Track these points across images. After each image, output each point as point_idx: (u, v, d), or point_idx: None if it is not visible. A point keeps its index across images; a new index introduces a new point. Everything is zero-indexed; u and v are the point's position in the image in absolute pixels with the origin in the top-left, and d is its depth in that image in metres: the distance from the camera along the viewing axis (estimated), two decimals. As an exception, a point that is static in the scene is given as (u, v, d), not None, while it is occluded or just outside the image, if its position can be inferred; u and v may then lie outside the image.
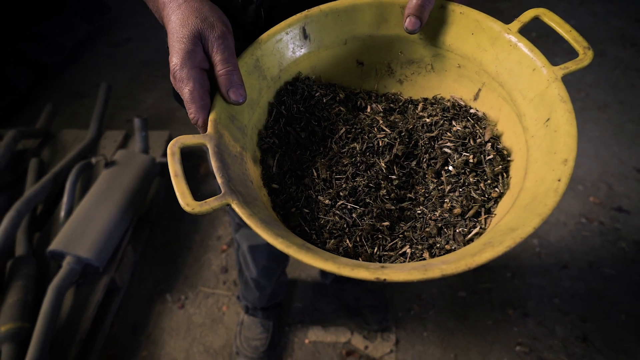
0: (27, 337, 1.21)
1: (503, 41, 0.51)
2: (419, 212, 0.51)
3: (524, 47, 0.49)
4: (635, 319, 1.48)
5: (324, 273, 1.51)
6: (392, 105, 0.60)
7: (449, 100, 0.58)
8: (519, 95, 0.49)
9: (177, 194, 0.42)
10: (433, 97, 0.59)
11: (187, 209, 0.41)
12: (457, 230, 0.47)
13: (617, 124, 2.20)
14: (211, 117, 0.47)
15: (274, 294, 1.36)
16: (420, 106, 0.58)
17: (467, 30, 0.53)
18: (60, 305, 1.28)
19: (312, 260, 0.39)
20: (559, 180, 0.40)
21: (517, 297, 1.55)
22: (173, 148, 0.45)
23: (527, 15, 0.51)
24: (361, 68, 0.61)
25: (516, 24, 0.51)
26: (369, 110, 0.58)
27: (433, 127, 0.55)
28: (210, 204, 0.41)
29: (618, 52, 2.67)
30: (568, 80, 2.42)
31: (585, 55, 0.47)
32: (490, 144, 0.52)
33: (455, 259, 0.38)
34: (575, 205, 1.84)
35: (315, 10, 0.55)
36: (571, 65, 0.47)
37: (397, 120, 0.57)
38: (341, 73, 0.61)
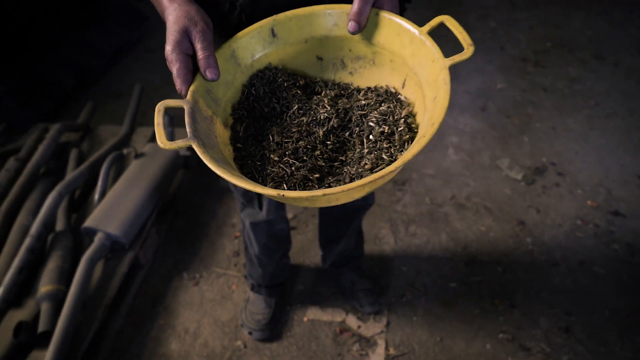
0: (63, 298, 1.41)
1: (417, 40, 0.64)
2: (346, 170, 0.65)
3: (429, 44, 0.62)
4: (618, 313, 1.55)
5: (323, 258, 1.65)
6: (342, 92, 0.74)
7: (384, 88, 0.72)
8: (424, 81, 0.63)
9: (157, 136, 0.58)
10: (374, 86, 0.73)
11: (161, 145, 0.57)
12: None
13: (624, 132, 2.25)
14: (191, 88, 0.64)
15: (275, 274, 1.51)
16: (362, 92, 0.73)
17: (394, 32, 0.67)
18: (91, 274, 1.48)
19: (233, 179, 0.54)
20: (424, 137, 0.54)
21: (505, 290, 1.64)
22: (159, 107, 0.61)
23: (435, 21, 0.64)
24: (320, 62, 0.76)
25: (427, 27, 0.64)
26: (322, 94, 0.73)
27: (365, 107, 0.69)
28: (177, 143, 0.57)
29: (633, 61, 2.71)
30: (579, 90, 2.49)
31: (467, 50, 0.60)
32: (403, 119, 0.65)
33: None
34: (572, 207, 1.91)
35: (281, 15, 0.71)
36: (456, 57, 0.60)
37: (342, 102, 0.71)
38: (305, 65, 0.76)
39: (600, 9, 3.22)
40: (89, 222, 1.56)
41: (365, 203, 1.36)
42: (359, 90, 0.74)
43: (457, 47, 0.61)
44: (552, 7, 3.33)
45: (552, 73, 2.68)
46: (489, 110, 2.44)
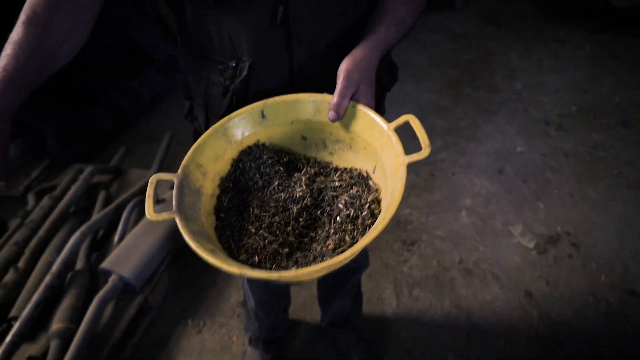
0: (72, 336, 1.50)
1: (385, 134, 0.70)
2: (313, 246, 0.70)
3: (394, 140, 0.68)
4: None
5: (322, 317, 1.68)
6: (321, 170, 0.81)
7: (358, 171, 0.78)
8: (388, 173, 0.68)
9: (146, 207, 0.66)
10: (350, 167, 0.80)
11: (148, 217, 0.64)
12: (326, 259, 0.66)
13: (645, 204, 2.20)
14: (182, 163, 0.72)
15: (272, 328, 1.55)
16: (338, 173, 0.79)
17: (367, 124, 0.74)
18: (101, 315, 1.57)
19: (204, 254, 0.60)
20: (375, 229, 0.59)
21: (506, 365, 1.61)
22: (152, 179, 0.70)
23: (402, 119, 0.70)
24: (305, 141, 0.84)
25: (394, 124, 0.70)
26: (303, 171, 0.80)
27: (338, 188, 0.76)
28: (163, 215, 0.64)
29: (662, 131, 2.66)
30: (602, 157, 2.46)
31: (424, 150, 0.65)
32: (368, 205, 0.71)
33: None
34: (584, 282, 1.86)
35: (271, 100, 0.80)
36: (414, 156, 0.65)
37: (319, 181, 0.78)
38: (291, 143, 0.84)
39: (629, 75, 3.20)
40: (105, 264, 1.67)
41: (358, 265, 1.40)
42: (336, 169, 0.81)
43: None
44: (580, 71, 3.34)
45: (574, 138, 2.67)
46: (506, 173, 2.44)
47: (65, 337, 1.49)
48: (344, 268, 1.38)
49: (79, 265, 1.74)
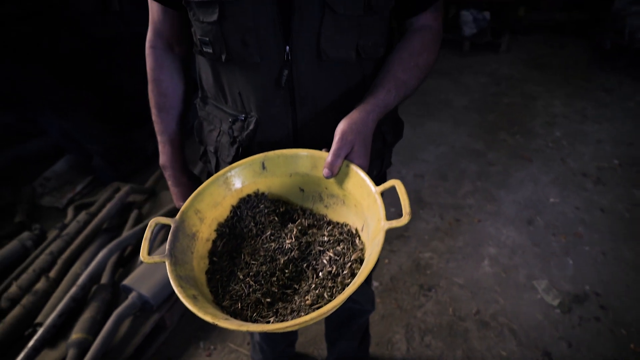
0: (88, 348, 1.58)
1: (372, 196, 0.73)
2: (295, 299, 0.72)
3: (379, 203, 0.70)
4: None
5: (328, 353, 1.68)
6: (315, 222, 0.84)
7: (348, 227, 0.81)
8: (370, 234, 0.70)
9: (141, 249, 0.71)
10: (342, 223, 0.82)
11: (142, 259, 0.70)
12: (302, 314, 0.68)
13: (686, 271, 2.06)
14: (181, 209, 0.77)
15: None
16: (329, 227, 0.82)
17: (358, 184, 0.76)
18: (117, 329, 1.65)
19: (184, 298, 0.64)
20: (343, 294, 0.61)
21: None
22: (151, 223, 0.75)
23: (388, 184, 0.73)
24: (302, 193, 0.87)
25: (381, 187, 0.72)
26: (297, 223, 0.83)
27: (325, 244, 0.78)
28: (154, 258, 0.69)
29: None
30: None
31: (404, 218, 0.66)
32: (349, 264, 0.72)
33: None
34: (610, 348, 1.75)
35: (271, 153, 0.84)
36: (394, 223, 0.66)
37: (311, 233, 0.81)
38: (289, 194, 0.87)
39: (681, 131, 3.05)
40: (126, 281, 1.76)
41: (362, 309, 1.40)
42: (329, 223, 0.84)
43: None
44: (627, 123, 3.22)
45: (613, 193, 2.56)
46: (535, 224, 2.37)
47: (82, 348, 1.58)
48: (347, 310, 1.39)
49: (104, 279, 1.85)
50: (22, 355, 1.53)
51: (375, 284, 2.06)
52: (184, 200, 0.92)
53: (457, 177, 2.78)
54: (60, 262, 1.88)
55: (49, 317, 1.64)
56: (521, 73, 4.17)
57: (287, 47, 0.79)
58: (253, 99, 0.86)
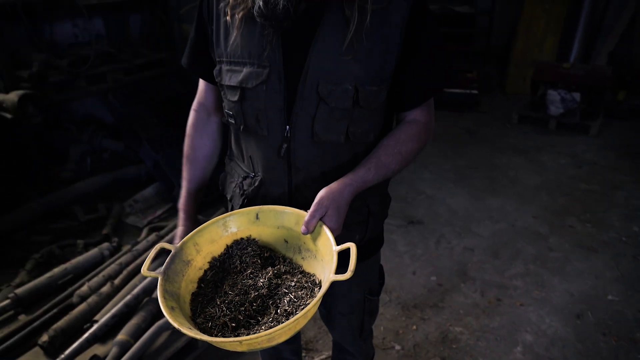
0: (128, 349, 1.82)
1: (331, 253, 0.86)
2: (256, 328, 0.85)
3: (334, 260, 0.83)
4: None
5: None
6: (291, 269, 0.98)
7: (314, 278, 0.94)
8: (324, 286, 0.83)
9: (143, 265, 0.90)
10: (312, 273, 0.95)
11: (142, 272, 0.89)
12: None
13: None
14: (184, 239, 0.96)
15: None
16: (300, 276, 0.96)
17: (325, 242, 0.90)
18: (155, 339, 1.88)
19: (163, 308, 0.80)
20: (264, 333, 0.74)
21: None
22: (157, 247, 0.94)
23: (345, 246, 0.85)
24: (286, 244, 1.02)
25: (339, 248, 0.85)
26: (276, 268, 0.98)
27: (291, 287, 0.91)
28: (151, 274, 0.88)
29: None
30: None
31: (347, 274, 0.78)
32: (304, 307, 0.84)
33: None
34: None
35: (265, 207, 1.01)
36: (338, 277, 0.79)
37: (284, 277, 0.95)
38: (275, 243, 1.03)
39: None
40: (172, 298, 2.00)
41: None
42: (302, 272, 0.98)
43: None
44: None
45: (687, 302, 2.31)
46: (584, 319, 2.22)
47: (124, 348, 1.83)
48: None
49: (155, 294, 2.12)
50: (76, 344, 1.81)
51: (396, 347, 2.07)
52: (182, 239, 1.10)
53: (509, 256, 2.71)
54: (125, 272, 2.19)
55: (104, 317, 1.93)
56: (608, 159, 3.96)
57: (287, 127, 0.99)
58: (260, 163, 1.06)
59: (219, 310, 0.90)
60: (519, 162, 3.93)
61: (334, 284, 0.93)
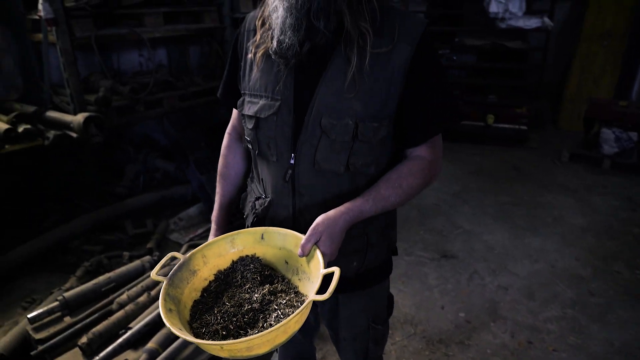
0: (156, 357, 1.94)
1: (318, 275, 0.92)
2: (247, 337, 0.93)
3: (318, 281, 0.89)
4: None
5: None
6: (286, 289, 1.03)
7: (304, 298, 0.99)
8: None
9: (153, 269, 0.99)
10: (304, 294, 1.00)
11: (151, 276, 0.98)
12: None
13: None
14: (194, 250, 1.05)
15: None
16: (293, 295, 1.02)
17: (316, 265, 0.95)
18: (181, 350, 1.98)
19: (162, 309, 0.89)
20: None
21: None
22: (169, 255, 1.03)
23: (330, 270, 0.89)
24: (286, 265, 1.08)
25: (325, 271, 0.90)
26: (273, 286, 1.05)
27: (281, 304, 0.97)
28: (158, 277, 0.97)
29: None
30: None
31: (326, 294, 0.83)
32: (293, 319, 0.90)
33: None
34: None
35: (270, 228, 1.09)
36: (318, 297, 0.84)
37: (279, 295, 1.01)
38: (276, 263, 1.10)
39: None
40: (201, 312, 2.11)
41: None
42: (295, 292, 1.04)
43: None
44: None
45: None
46: (623, 372, 2.09)
47: (152, 356, 1.94)
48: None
49: (187, 307, 2.23)
50: (110, 348, 1.95)
51: (416, 381, 2.05)
52: None
53: (545, 298, 2.60)
54: (161, 284, 2.34)
55: (138, 324, 2.06)
56: (667, 203, 3.72)
57: (293, 155, 1.08)
58: (269, 186, 1.15)
59: (214, 318, 0.97)
60: (566, 202, 3.78)
61: (337, 309, 0.99)
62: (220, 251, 1.09)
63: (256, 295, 1.01)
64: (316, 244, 0.98)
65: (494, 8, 5.30)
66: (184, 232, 3.20)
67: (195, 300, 1.04)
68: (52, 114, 2.90)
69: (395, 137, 1.11)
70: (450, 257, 3.03)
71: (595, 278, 2.78)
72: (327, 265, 0.96)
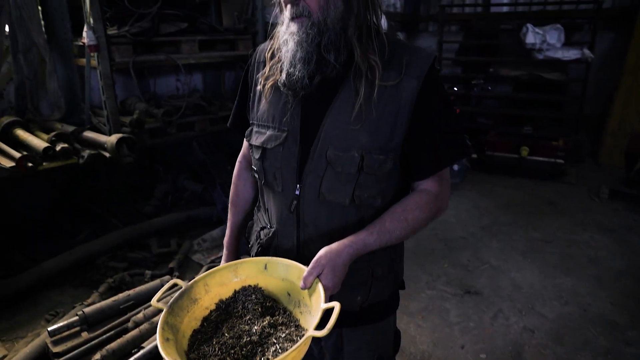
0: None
1: (319, 309, 0.89)
2: None
3: (318, 315, 0.87)
4: None
5: None
6: (287, 321, 1.01)
7: (304, 332, 0.96)
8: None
9: (155, 297, 0.99)
10: (304, 328, 0.98)
11: (151, 303, 0.98)
12: None
13: None
14: (196, 278, 1.05)
15: None
16: (294, 328, 0.99)
17: (317, 298, 0.93)
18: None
19: (159, 336, 0.88)
20: None
21: None
22: (171, 282, 1.03)
23: (330, 305, 0.86)
24: (289, 297, 1.06)
25: (325, 305, 0.88)
26: (274, 318, 1.03)
27: (280, 338, 0.95)
28: (158, 305, 0.96)
29: None
30: None
31: (324, 331, 0.81)
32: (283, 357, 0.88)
33: None
34: None
35: (273, 259, 1.07)
36: (316, 333, 0.82)
37: (279, 328, 0.99)
38: (279, 294, 1.08)
39: None
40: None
41: None
42: (296, 326, 1.02)
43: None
44: None
45: None
46: None
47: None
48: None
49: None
50: (122, 366, 1.98)
51: None
52: None
53: (575, 345, 2.44)
54: (177, 305, 2.36)
55: (150, 344, 2.08)
56: None
57: (298, 185, 1.08)
58: (275, 216, 1.15)
59: (211, 350, 0.96)
60: (603, 241, 3.58)
61: (342, 343, 0.95)
62: (222, 280, 1.08)
63: (255, 327, 1.00)
64: (318, 276, 0.96)
65: (530, 39, 5.23)
66: (206, 253, 3.24)
67: (194, 330, 1.03)
68: (89, 134, 3.05)
69: (402, 170, 1.09)
70: (474, 293, 2.91)
71: (632, 326, 2.59)
72: (329, 299, 0.95)
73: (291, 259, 1.07)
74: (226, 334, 1.00)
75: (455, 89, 6.09)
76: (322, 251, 0.98)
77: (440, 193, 1.10)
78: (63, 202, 3.51)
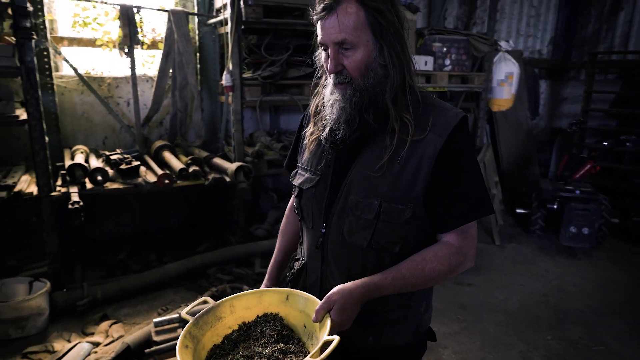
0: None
1: (321, 341, 0.96)
2: None
3: (319, 344, 0.94)
4: None
5: None
6: (299, 351, 1.07)
7: None
8: None
9: (186, 309, 1.17)
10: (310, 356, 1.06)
11: (181, 315, 1.15)
12: None
13: None
14: (223, 299, 1.17)
15: None
16: (301, 357, 1.04)
17: (324, 331, 0.99)
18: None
19: (179, 343, 1.02)
20: None
21: None
22: (202, 299, 1.17)
23: (331, 338, 0.92)
24: (305, 329, 1.12)
25: (327, 338, 0.94)
26: (286, 345, 1.10)
27: None
28: (186, 316, 1.12)
29: None
30: None
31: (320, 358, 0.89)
32: None
33: None
34: None
35: (295, 291, 1.15)
36: (315, 356, 0.89)
37: (289, 356, 1.07)
38: (296, 325, 1.14)
39: None
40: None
41: None
42: (305, 355, 1.07)
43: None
44: None
45: None
46: None
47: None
48: None
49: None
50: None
51: None
52: None
53: None
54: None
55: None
56: None
57: (324, 225, 1.18)
58: (306, 250, 1.27)
59: None
60: (618, 277, 2.79)
61: None
62: (248, 304, 1.18)
63: (267, 351, 1.07)
64: (329, 312, 1.02)
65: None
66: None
67: (215, 345, 1.14)
68: (217, 160, 3.55)
69: (430, 220, 1.12)
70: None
71: None
72: (335, 334, 1.00)
73: (315, 292, 1.16)
74: (241, 353, 1.09)
75: (605, 143, 5.41)
76: (335, 288, 1.05)
77: (463, 248, 1.09)
78: (193, 217, 4.10)
